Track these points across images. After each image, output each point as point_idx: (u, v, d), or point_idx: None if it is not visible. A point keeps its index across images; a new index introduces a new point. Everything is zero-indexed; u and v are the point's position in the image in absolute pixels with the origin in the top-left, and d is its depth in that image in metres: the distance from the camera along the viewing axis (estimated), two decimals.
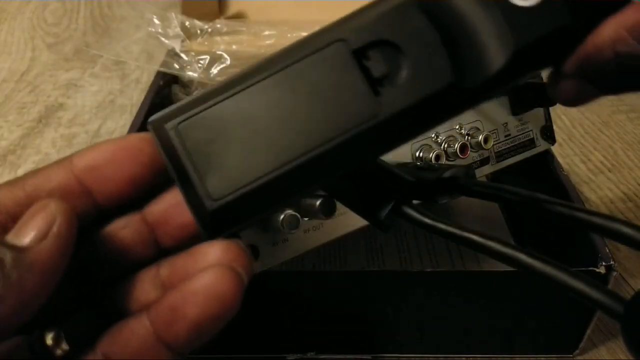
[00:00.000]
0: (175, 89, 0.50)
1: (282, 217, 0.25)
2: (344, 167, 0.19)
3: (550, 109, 0.36)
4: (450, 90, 0.19)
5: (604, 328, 0.35)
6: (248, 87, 0.19)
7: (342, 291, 0.31)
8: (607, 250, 0.30)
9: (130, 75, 0.67)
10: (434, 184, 0.24)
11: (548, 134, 0.36)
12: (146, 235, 0.20)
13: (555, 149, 0.37)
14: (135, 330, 0.18)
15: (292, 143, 0.18)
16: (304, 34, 0.21)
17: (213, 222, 0.19)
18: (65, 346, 0.18)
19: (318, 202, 0.25)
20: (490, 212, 0.42)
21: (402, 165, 0.29)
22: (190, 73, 0.49)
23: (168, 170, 0.19)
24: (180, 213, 0.19)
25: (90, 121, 0.59)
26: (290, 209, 0.26)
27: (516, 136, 0.34)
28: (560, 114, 0.60)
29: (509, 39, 0.18)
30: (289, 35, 0.53)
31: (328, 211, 0.26)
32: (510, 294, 0.32)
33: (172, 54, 0.52)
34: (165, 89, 0.49)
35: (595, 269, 0.30)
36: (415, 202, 0.22)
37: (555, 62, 0.20)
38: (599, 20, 0.18)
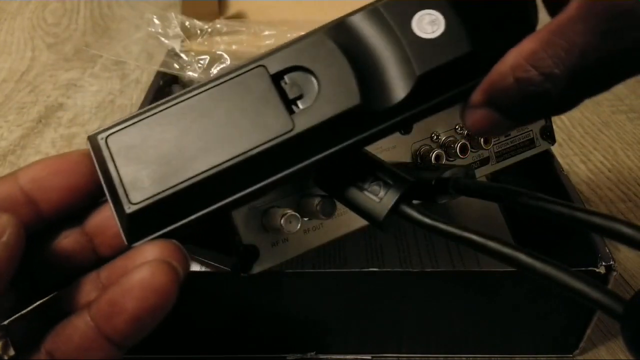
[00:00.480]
0: (175, 89, 0.50)
1: (282, 217, 0.25)
2: (260, 179, 0.21)
3: None
4: (357, 112, 0.21)
5: (604, 328, 0.35)
6: (176, 104, 0.21)
7: (342, 291, 0.31)
8: (607, 250, 0.30)
9: (130, 75, 0.67)
10: (434, 184, 0.24)
11: (548, 134, 0.36)
12: (85, 245, 0.21)
13: (555, 149, 0.37)
14: (77, 326, 0.19)
15: (210, 154, 0.20)
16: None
17: (131, 226, 0.20)
18: (11, 352, 0.19)
19: (318, 202, 0.25)
20: (490, 212, 0.42)
21: (402, 165, 0.29)
22: (190, 73, 0.49)
23: (100, 177, 0.21)
24: (115, 223, 0.21)
25: (90, 121, 0.59)
26: (290, 209, 0.26)
27: (516, 136, 0.34)
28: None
29: (412, 67, 0.20)
30: (288, 35, 0.53)
31: (328, 211, 0.26)
32: (510, 294, 0.32)
33: (172, 54, 0.52)
34: (165, 89, 0.49)
35: (595, 269, 0.30)
36: (415, 202, 0.22)
37: (460, 90, 0.21)
38: (502, 51, 0.19)
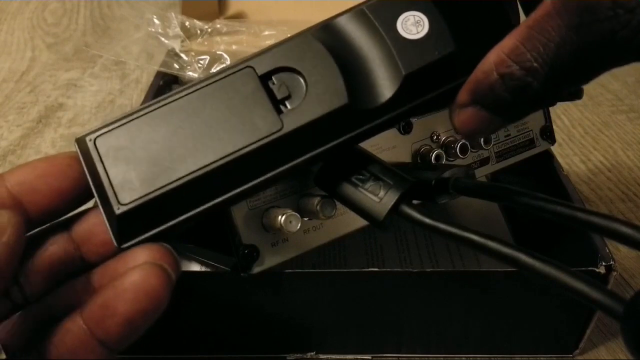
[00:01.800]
0: (175, 89, 0.50)
1: (282, 217, 0.25)
2: (251, 177, 0.21)
3: (550, 109, 0.36)
4: (345, 111, 0.21)
5: (604, 328, 0.35)
6: (165, 105, 0.21)
7: (342, 291, 0.31)
8: (607, 250, 0.30)
9: (130, 75, 0.67)
10: (434, 184, 0.24)
11: (548, 134, 0.36)
12: (72, 252, 0.21)
13: (555, 149, 0.37)
14: (69, 329, 0.19)
15: (199, 154, 0.20)
16: None
17: (121, 227, 0.20)
18: (3, 355, 0.19)
19: (318, 202, 0.25)
20: (490, 212, 0.42)
21: (402, 165, 0.29)
22: (190, 73, 0.49)
23: (88, 180, 0.21)
24: (103, 231, 0.20)
25: (90, 121, 0.59)
26: (290, 209, 0.26)
27: (516, 136, 0.34)
28: (560, 114, 0.60)
29: (398, 67, 0.21)
30: (288, 35, 0.53)
31: (328, 211, 0.26)
32: (510, 294, 0.32)
33: (172, 54, 0.52)
34: (165, 89, 0.49)
35: (595, 269, 0.30)
36: (415, 202, 0.22)
37: (445, 89, 0.22)
38: (485, 49, 0.20)
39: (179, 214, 0.20)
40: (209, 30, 0.54)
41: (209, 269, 0.32)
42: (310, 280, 0.31)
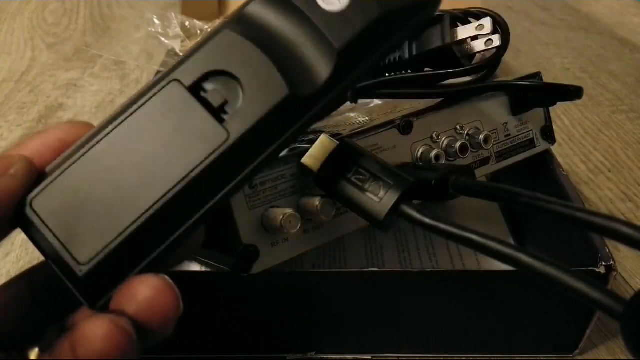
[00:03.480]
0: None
1: (282, 217, 0.25)
2: (211, 196, 0.19)
3: (550, 109, 0.36)
4: (289, 101, 0.20)
5: (604, 328, 0.35)
6: (94, 146, 0.19)
7: (342, 291, 0.31)
8: (607, 250, 0.30)
9: (130, 75, 0.67)
10: (434, 184, 0.24)
11: (548, 134, 0.36)
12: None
13: (555, 149, 0.37)
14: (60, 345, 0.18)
15: (151, 187, 0.19)
16: None
17: (88, 287, 0.18)
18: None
19: (318, 202, 0.25)
20: (490, 212, 0.42)
21: (402, 165, 0.29)
22: None
23: (39, 250, 0.19)
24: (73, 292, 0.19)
25: (90, 121, 0.59)
26: (290, 209, 0.26)
27: (516, 136, 0.34)
28: (560, 114, 0.60)
29: (330, 43, 0.20)
30: None
31: (328, 211, 0.26)
32: (510, 294, 0.32)
33: (172, 54, 0.52)
34: None
35: (595, 269, 0.30)
36: (415, 202, 0.22)
37: (382, 50, 0.21)
38: (408, 7, 0.20)
39: (148, 253, 0.19)
40: (209, 30, 0.54)
41: (209, 269, 0.32)
42: (311, 280, 0.31)
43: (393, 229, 0.39)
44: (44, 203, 0.18)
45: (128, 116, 0.19)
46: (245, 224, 0.25)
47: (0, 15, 0.83)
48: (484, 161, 0.33)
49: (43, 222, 0.18)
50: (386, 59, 0.34)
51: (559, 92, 0.34)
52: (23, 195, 0.18)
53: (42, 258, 0.19)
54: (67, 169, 0.19)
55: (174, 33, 0.53)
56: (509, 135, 0.34)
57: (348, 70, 0.20)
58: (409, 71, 0.34)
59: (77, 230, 0.18)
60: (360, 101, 0.39)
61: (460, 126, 0.32)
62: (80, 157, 0.19)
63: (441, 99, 0.32)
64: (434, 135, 0.31)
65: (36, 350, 0.19)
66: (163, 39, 0.53)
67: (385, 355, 0.34)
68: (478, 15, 0.33)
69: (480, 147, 0.32)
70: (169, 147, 0.19)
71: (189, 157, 0.19)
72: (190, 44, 0.53)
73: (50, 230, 0.18)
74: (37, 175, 0.19)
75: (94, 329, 0.16)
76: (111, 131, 0.19)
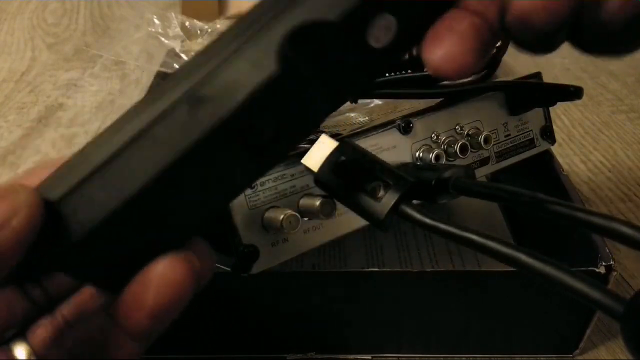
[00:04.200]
0: None
1: (282, 217, 0.25)
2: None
3: (550, 109, 0.36)
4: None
5: (604, 328, 0.35)
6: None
7: (342, 291, 0.31)
8: (607, 250, 0.30)
9: (130, 76, 0.67)
10: (434, 184, 0.24)
11: (548, 134, 0.36)
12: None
13: (555, 149, 0.37)
14: (97, 324, 0.18)
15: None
16: None
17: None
18: (33, 357, 0.18)
19: (318, 202, 0.25)
20: (490, 212, 0.42)
21: (402, 165, 0.29)
22: None
23: None
24: None
25: (90, 121, 0.59)
26: (290, 209, 0.26)
27: (516, 136, 0.34)
28: (560, 114, 0.60)
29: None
30: None
31: (328, 211, 0.26)
32: (510, 294, 0.32)
33: (172, 54, 0.52)
34: None
35: (595, 269, 0.30)
36: (415, 202, 0.22)
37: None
38: None
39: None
40: (209, 30, 0.54)
41: None
42: (310, 280, 0.31)
43: (393, 229, 0.39)
44: None
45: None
46: (245, 224, 0.25)
47: (0, 15, 0.83)
48: (484, 161, 0.33)
49: None
50: None
51: (559, 92, 0.34)
52: (24, 251, 0.16)
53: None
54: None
55: (174, 33, 0.53)
56: (509, 135, 0.34)
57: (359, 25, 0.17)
58: (409, 71, 0.34)
59: None
60: (360, 101, 0.39)
61: (460, 126, 0.32)
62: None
63: (441, 99, 0.32)
64: (434, 135, 0.31)
65: (25, 346, 0.19)
66: (163, 39, 0.53)
67: (385, 355, 0.34)
68: None
69: (480, 147, 0.32)
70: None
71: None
72: (190, 44, 0.53)
73: None
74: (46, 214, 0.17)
75: (167, 264, 0.18)
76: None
